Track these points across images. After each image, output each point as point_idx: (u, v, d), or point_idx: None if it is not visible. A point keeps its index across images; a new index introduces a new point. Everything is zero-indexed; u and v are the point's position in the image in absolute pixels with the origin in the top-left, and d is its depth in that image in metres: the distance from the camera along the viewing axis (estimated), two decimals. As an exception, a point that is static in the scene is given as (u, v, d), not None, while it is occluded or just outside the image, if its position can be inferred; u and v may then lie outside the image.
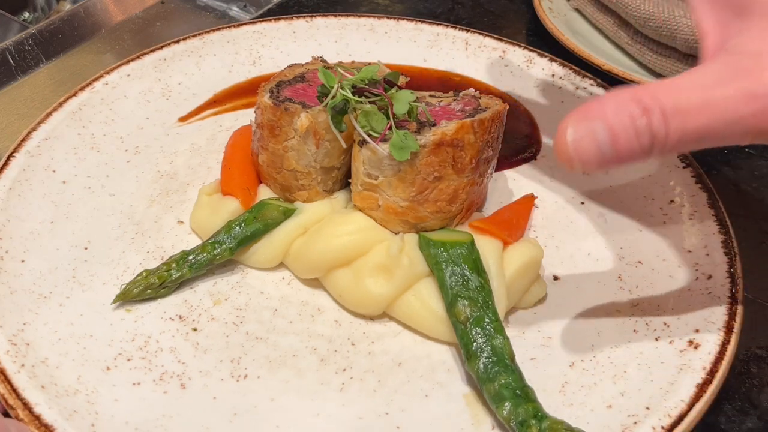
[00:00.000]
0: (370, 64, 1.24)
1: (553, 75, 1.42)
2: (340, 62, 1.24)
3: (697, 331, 0.98)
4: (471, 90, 1.19)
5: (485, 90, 1.43)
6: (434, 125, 1.02)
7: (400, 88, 1.07)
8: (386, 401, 0.94)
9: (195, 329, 1.01)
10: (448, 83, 1.46)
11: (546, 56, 1.44)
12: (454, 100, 1.16)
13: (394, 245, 1.01)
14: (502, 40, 1.49)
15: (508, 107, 1.12)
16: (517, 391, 0.89)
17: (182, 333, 1.01)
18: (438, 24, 1.53)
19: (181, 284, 1.06)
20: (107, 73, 1.36)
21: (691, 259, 1.09)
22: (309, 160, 1.06)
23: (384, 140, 1.00)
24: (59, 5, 1.84)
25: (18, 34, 1.54)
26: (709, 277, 1.05)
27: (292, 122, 1.04)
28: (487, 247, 1.04)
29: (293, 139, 1.05)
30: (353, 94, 1.03)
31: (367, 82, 1.04)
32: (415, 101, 1.02)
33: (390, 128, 1.00)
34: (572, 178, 1.25)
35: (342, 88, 1.03)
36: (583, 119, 0.75)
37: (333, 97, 1.02)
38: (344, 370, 0.98)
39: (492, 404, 0.90)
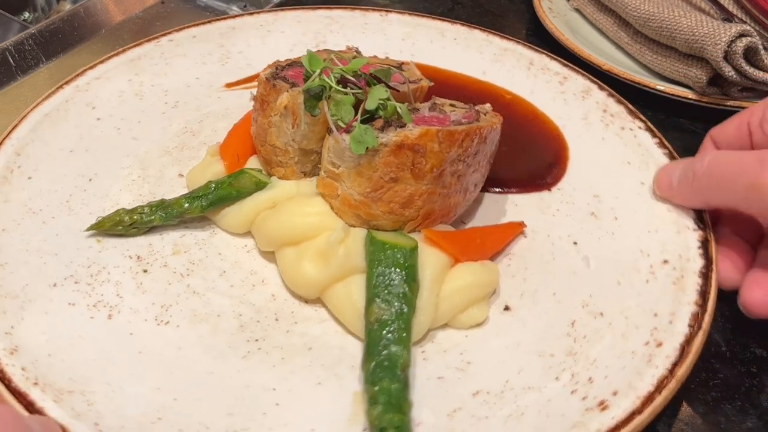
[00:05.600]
0: (402, 62, 1.30)
1: (605, 110, 1.39)
2: (363, 55, 1.30)
3: (615, 393, 0.95)
4: (487, 105, 1.21)
5: (532, 114, 1.43)
6: (402, 126, 1.05)
7: (389, 86, 1.11)
8: (279, 379, 1.00)
9: (146, 270, 1.12)
10: (499, 99, 1.47)
11: (605, 90, 1.42)
12: (466, 111, 1.18)
13: (335, 235, 1.05)
14: (567, 66, 1.48)
15: (496, 128, 1.12)
16: (392, 400, 0.92)
17: (133, 271, 1.12)
18: (509, 39, 1.54)
19: (153, 229, 1.17)
20: (177, 30, 1.50)
21: (652, 323, 1.04)
22: (287, 139, 1.13)
23: (349, 131, 1.05)
24: (59, 5, 1.93)
25: (18, 34, 1.60)
26: (659, 344, 1.00)
27: (277, 99, 1.12)
28: (430, 258, 1.06)
29: (276, 115, 1.13)
30: (339, 82, 1.09)
31: (352, 73, 1.10)
32: (388, 99, 1.06)
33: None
34: (576, 217, 1.23)
35: (330, 75, 1.09)
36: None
37: (312, 81, 1.08)
38: (256, 340, 1.04)
39: (367, 405, 0.93)
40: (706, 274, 1.08)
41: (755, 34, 1.42)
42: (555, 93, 1.45)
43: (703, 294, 1.06)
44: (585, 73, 1.46)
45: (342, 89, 1.08)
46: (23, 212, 1.16)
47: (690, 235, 1.15)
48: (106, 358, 1.00)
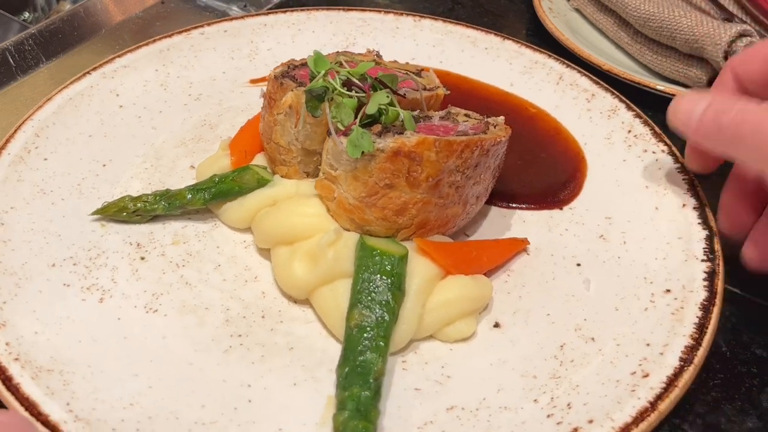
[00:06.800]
0: (421, 69, 1.31)
1: (630, 131, 1.36)
2: (385, 59, 1.31)
3: (590, 422, 0.94)
4: (500, 118, 1.21)
5: (555, 130, 1.41)
6: (401, 133, 1.06)
7: (394, 91, 1.12)
8: (256, 376, 1.01)
9: (143, 258, 1.15)
10: (523, 113, 1.46)
11: (633, 110, 1.39)
12: (478, 122, 1.18)
13: (325, 237, 1.06)
14: (596, 83, 1.46)
15: (500, 141, 1.12)
16: (360, 407, 0.92)
17: (131, 258, 1.15)
18: (541, 52, 1.53)
19: (157, 217, 1.21)
20: (209, 24, 1.54)
21: (643, 352, 1.02)
22: (291, 138, 1.15)
23: (347, 135, 1.06)
24: (59, 5, 1.93)
25: (18, 34, 1.61)
26: (646, 375, 0.99)
27: (283, 98, 1.14)
28: (419, 268, 1.06)
29: (281, 114, 1.14)
30: (344, 85, 1.10)
31: (358, 77, 1.11)
32: (390, 104, 1.07)
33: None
34: (584, 239, 1.21)
35: (335, 77, 1.10)
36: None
37: (315, 81, 1.09)
38: (240, 335, 1.06)
39: (336, 409, 0.94)
40: (707, 308, 1.06)
41: (755, 34, 1.44)
42: (581, 110, 1.43)
43: (701, 328, 1.03)
44: (614, 91, 1.44)
45: (345, 92, 1.09)
46: (34, 192, 1.21)
47: (697, 265, 1.13)
48: (91, 340, 1.03)
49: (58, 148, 1.28)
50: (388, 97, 1.07)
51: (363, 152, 1.03)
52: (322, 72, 1.10)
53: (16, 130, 1.27)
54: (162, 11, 1.80)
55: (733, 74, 1.14)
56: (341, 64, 1.13)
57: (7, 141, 1.25)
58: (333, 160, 1.08)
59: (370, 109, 1.06)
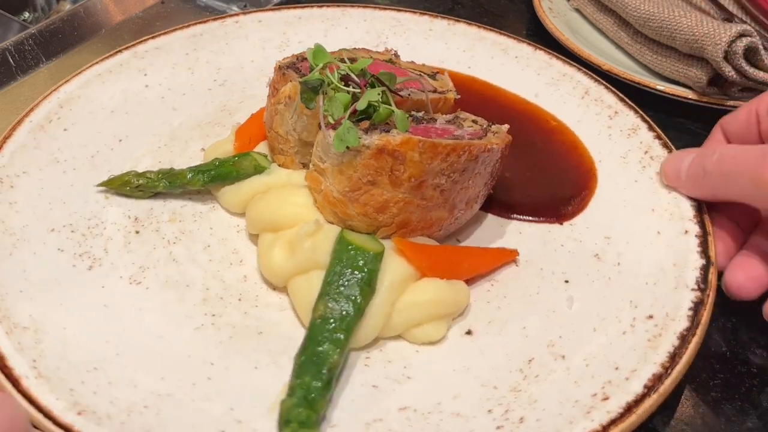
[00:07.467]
0: (437, 71, 1.32)
1: (646, 152, 1.33)
2: (398, 58, 1.33)
3: (543, 438, 0.93)
4: (504, 126, 1.20)
5: (572, 144, 1.40)
6: (388, 131, 1.07)
7: (391, 90, 1.13)
8: (221, 355, 1.04)
9: (138, 232, 1.20)
10: (544, 125, 1.44)
11: (654, 131, 1.36)
12: (481, 127, 1.18)
13: (305, 227, 1.08)
14: (622, 100, 1.43)
15: (491, 149, 1.11)
16: (308, 396, 0.94)
17: (127, 230, 1.20)
18: (570, 64, 1.51)
19: (160, 194, 1.25)
20: (244, 13, 1.58)
21: (609, 375, 1.00)
22: (288, 128, 1.17)
23: (336, 128, 1.07)
24: (59, 5, 1.95)
25: (18, 34, 1.62)
26: (606, 398, 0.97)
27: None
28: (394, 267, 1.07)
29: (281, 103, 1.17)
30: (341, 80, 1.12)
31: (356, 72, 1.12)
32: (384, 101, 1.08)
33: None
34: (578, 256, 1.20)
35: (334, 71, 1.12)
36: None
37: (312, 74, 1.11)
38: (213, 315, 1.09)
39: (285, 396, 0.95)
40: (685, 338, 1.03)
41: (755, 34, 1.44)
42: (602, 127, 1.41)
43: (674, 357, 1.01)
44: (638, 109, 1.40)
45: (341, 86, 1.10)
46: (49, 160, 1.27)
47: (686, 294, 1.09)
48: (72, 304, 1.07)
49: (79, 121, 1.34)
50: (378, 94, 1.08)
51: (348, 147, 1.04)
52: (320, 65, 1.12)
53: (42, 99, 1.33)
54: (162, 11, 1.82)
55: (722, 130, 1.21)
56: (342, 59, 1.15)
57: (31, 110, 1.31)
58: (322, 152, 1.10)
59: (361, 104, 1.08)
